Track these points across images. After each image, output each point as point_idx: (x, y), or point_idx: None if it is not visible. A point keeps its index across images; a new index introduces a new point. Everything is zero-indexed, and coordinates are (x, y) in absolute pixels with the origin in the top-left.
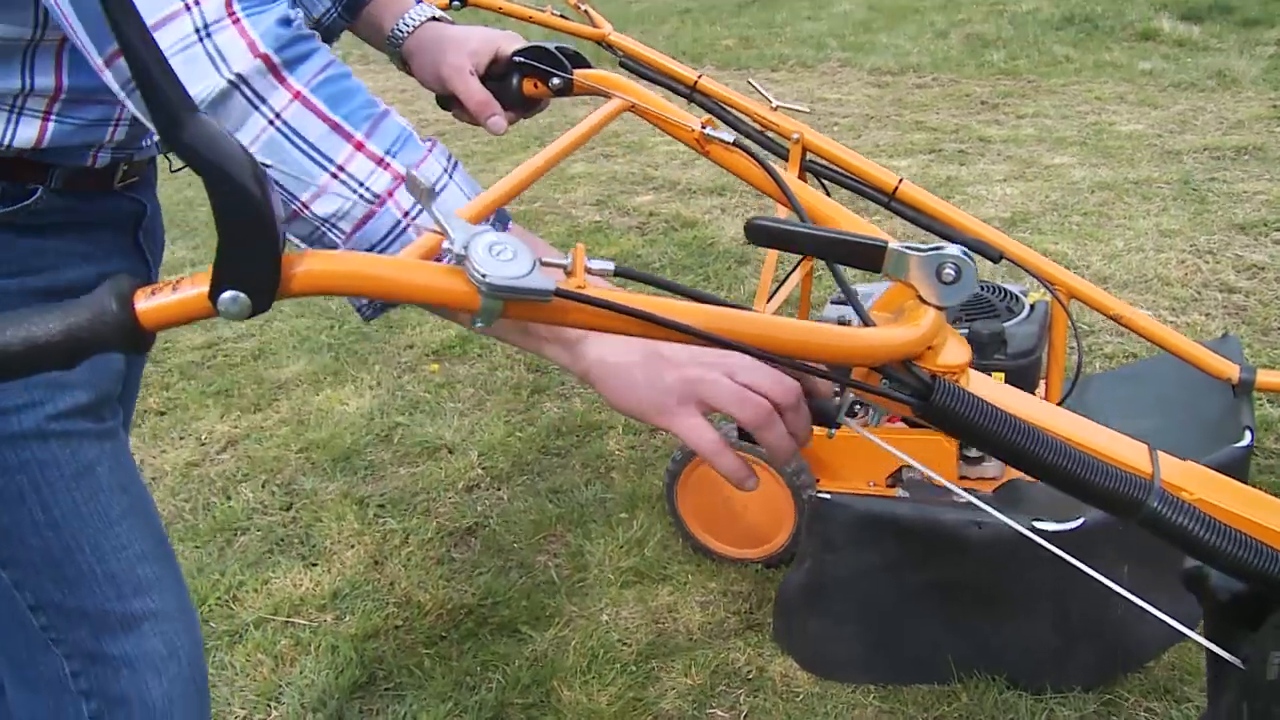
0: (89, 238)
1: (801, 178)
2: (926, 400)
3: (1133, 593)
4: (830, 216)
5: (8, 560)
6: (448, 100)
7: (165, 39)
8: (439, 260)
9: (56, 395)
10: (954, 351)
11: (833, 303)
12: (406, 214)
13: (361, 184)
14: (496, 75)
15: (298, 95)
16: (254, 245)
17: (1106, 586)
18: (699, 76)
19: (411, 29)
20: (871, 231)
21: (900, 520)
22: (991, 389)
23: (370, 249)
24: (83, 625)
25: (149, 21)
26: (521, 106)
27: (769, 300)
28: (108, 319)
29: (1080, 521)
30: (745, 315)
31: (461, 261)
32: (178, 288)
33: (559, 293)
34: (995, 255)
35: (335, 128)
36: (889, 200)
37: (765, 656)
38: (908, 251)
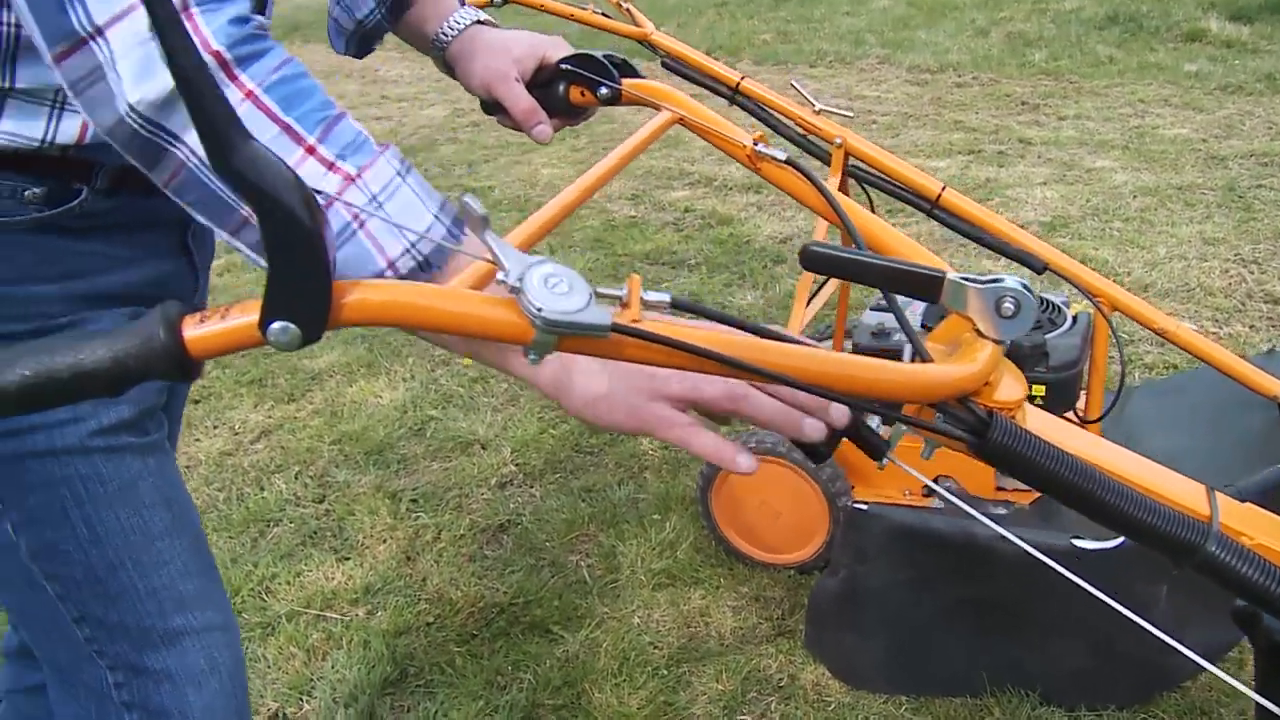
0: (135, 240)
1: (843, 182)
2: (983, 438)
3: (1170, 613)
4: (885, 240)
5: (52, 574)
6: (492, 106)
7: (120, 35)
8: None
9: (99, 410)
10: (1010, 387)
11: (872, 309)
12: (356, 216)
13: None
14: (542, 82)
15: (250, 95)
16: (305, 276)
17: (1129, 612)
18: (741, 78)
19: (456, 33)
20: (929, 259)
21: (935, 533)
22: (1048, 425)
23: None
24: (124, 639)
25: (103, 19)
26: (568, 114)
27: (808, 303)
28: (156, 347)
29: (1121, 540)
30: (803, 351)
31: (516, 294)
32: (227, 316)
33: (616, 328)
34: (1040, 266)
35: (286, 129)
36: (931, 207)
37: (797, 664)
38: (966, 284)
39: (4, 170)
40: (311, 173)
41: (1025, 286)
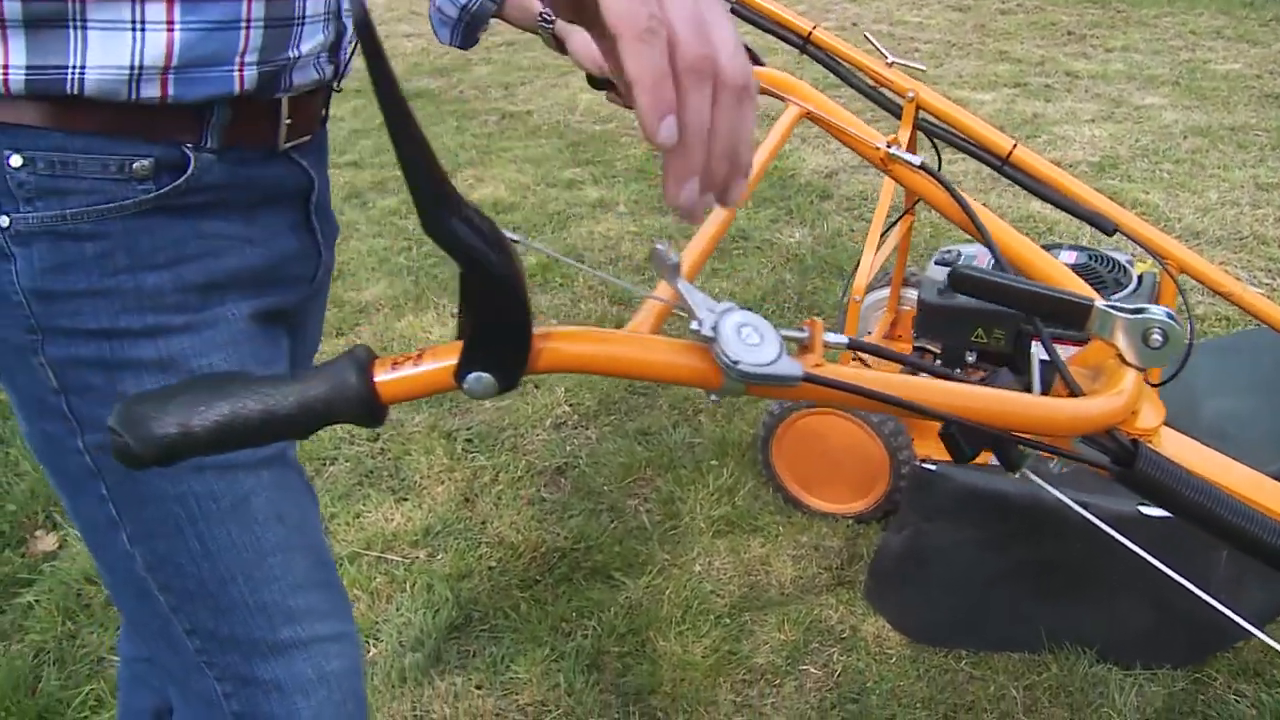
0: (253, 217)
1: (913, 138)
2: (1129, 467)
3: (1228, 576)
4: (1024, 255)
5: (165, 586)
6: (602, 82)
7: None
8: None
9: None
10: (1150, 414)
11: (936, 263)
12: None
13: None
14: None
15: None
16: (508, 331)
17: (1185, 580)
18: (813, 28)
19: None
20: (1071, 282)
21: (1003, 497)
22: (1183, 449)
23: None
24: (234, 651)
25: None
26: None
27: (876, 250)
28: (347, 393)
29: None
30: (969, 391)
31: (709, 343)
32: (420, 361)
33: (807, 378)
34: (1110, 228)
35: None
36: (1002, 164)
37: (858, 615)
38: (1115, 313)
39: (104, 136)
40: None
41: (1171, 316)
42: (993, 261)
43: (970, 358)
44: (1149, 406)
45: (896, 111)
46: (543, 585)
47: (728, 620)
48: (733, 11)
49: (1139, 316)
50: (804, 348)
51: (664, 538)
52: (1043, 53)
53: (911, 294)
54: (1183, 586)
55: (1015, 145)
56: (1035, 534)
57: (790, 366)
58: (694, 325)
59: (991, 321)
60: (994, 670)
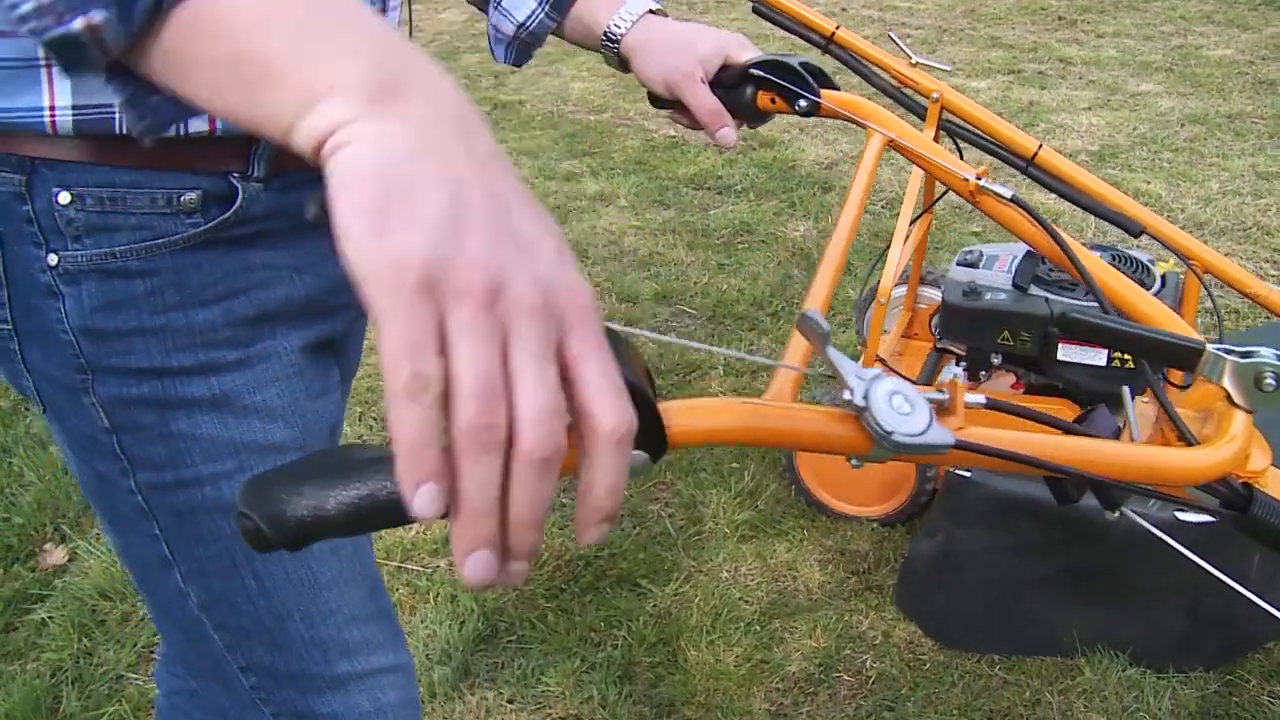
0: (299, 244)
1: (937, 137)
2: (1243, 512)
3: (1261, 578)
4: (1122, 293)
5: (220, 624)
6: (663, 101)
7: None
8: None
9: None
10: (1258, 455)
11: (958, 263)
12: None
13: None
14: (726, 83)
15: None
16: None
17: (1227, 580)
18: (836, 28)
19: (630, 24)
20: (1175, 323)
21: (1038, 504)
22: None
23: None
24: (290, 686)
25: None
26: (751, 118)
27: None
28: None
29: None
30: (1103, 447)
31: (860, 413)
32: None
33: (958, 445)
34: (1136, 229)
35: None
36: (1027, 166)
37: (889, 621)
38: (1226, 356)
39: (151, 169)
40: None
41: None
42: (1015, 265)
43: (995, 360)
44: (1256, 448)
45: (920, 112)
46: (569, 594)
47: (758, 628)
48: (755, 11)
49: (1251, 361)
50: (944, 410)
51: (688, 544)
52: (1034, 38)
53: (928, 292)
54: (1215, 589)
55: (1040, 146)
56: (1068, 539)
57: (942, 435)
58: (846, 395)
59: (1018, 324)
60: (1027, 675)
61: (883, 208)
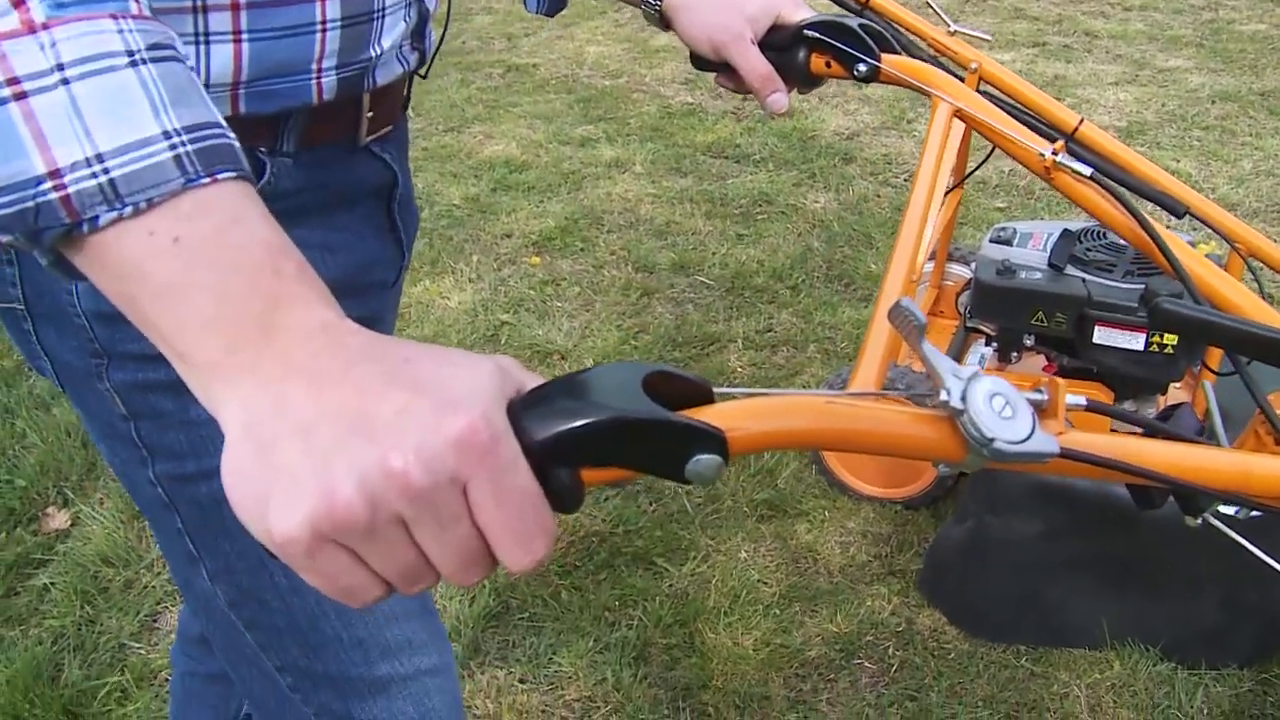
0: (332, 223)
1: None
2: None
3: None
4: (1214, 284)
5: (251, 623)
6: (707, 63)
7: None
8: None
9: None
10: None
11: (990, 240)
12: (13, 81)
13: None
14: (776, 45)
15: None
16: (680, 445)
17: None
18: None
19: None
20: (1268, 314)
21: (1072, 491)
22: None
23: None
24: (329, 689)
25: None
26: (803, 82)
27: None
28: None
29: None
30: (1210, 455)
31: (957, 415)
32: None
33: (1064, 454)
34: (1180, 210)
35: None
36: (1067, 141)
37: (912, 607)
38: None
39: None
40: None
41: None
42: (1051, 243)
43: (1028, 341)
44: None
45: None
46: (582, 572)
47: (777, 611)
48: None
49: None
50: (1044, 411)
51: (706, 522)
52: (1060, 10)
53: (955, 269)
54: (1252, 582)
55: (1081, 121)
56: (1102, 529)
57: (1047, 443)
58: (943, 396)
59: (1053, 305)
60: (1054, 667)
61: (905, 180)
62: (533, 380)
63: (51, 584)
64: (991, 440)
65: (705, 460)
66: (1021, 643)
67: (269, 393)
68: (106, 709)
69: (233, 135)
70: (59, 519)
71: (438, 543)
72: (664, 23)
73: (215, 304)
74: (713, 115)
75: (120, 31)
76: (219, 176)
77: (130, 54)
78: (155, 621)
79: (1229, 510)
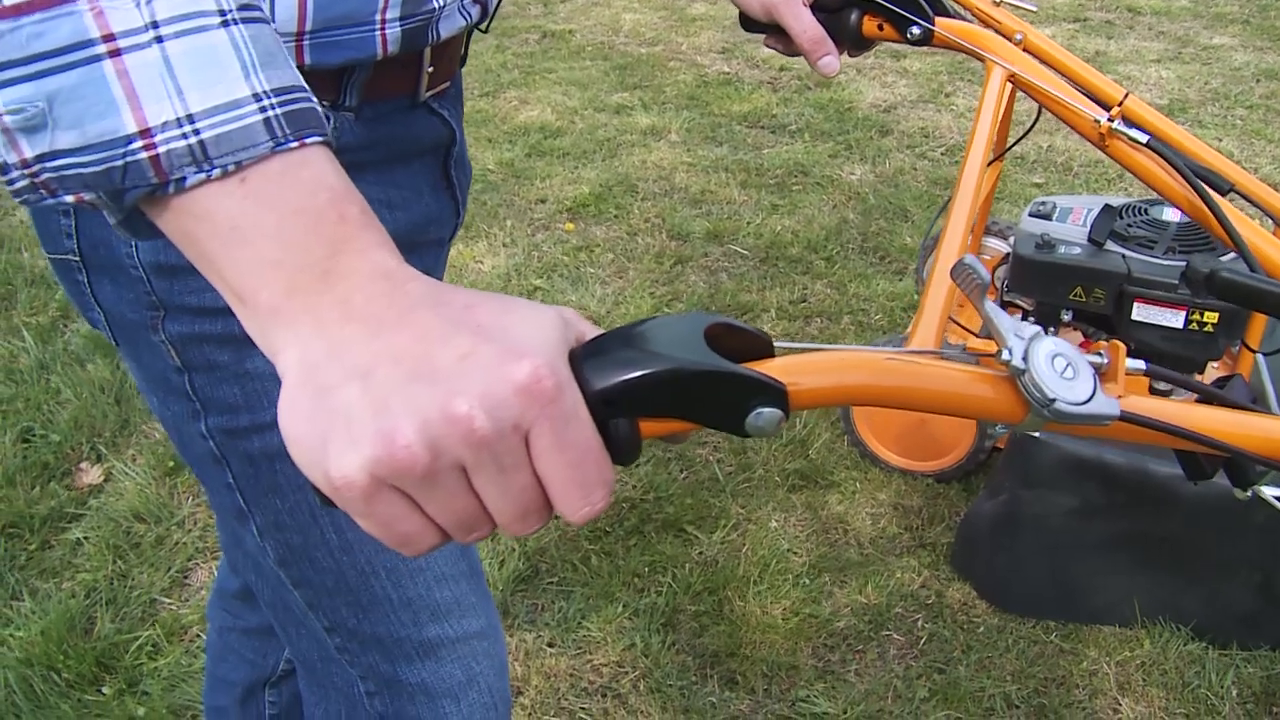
0: (391, 179)
1: None
2: None
3: None
4: (1271, 255)
5: (300, 581)
6: (756, 25)
7: None
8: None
9: None
10: None
11: (1029, 214)
12: (109, 38)
13: None
14: (828, 6)
15: None
16: (741, 397)
17: None
18: None
19: None
20: None
21: (1109, 467)
22: None
23: (13, 61)
24: (377, 650)
25: None
26: (854, 45)
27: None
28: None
29: None
30: (1265, 422)
31: (1018, 375)
32: None
33: (1124, 417)
34: (1225, 186)
35: None
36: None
37: (941, 580)
38: None
39: None
40: None
41: None
42: (1091, 218)
43: (1065, 317)
44: None
45: None
46: (612, 537)
47: (807, 581)
48: None
49: None
50: (1104, 375)
51: (737, 491)
52: None
53: (992, 243)
54: None
55: (1126, 95)
56: (1138, 506)
57: (1108, 405)
58: (1005, 355)
59: (1092, 281)
60: (1084, 644)
61: (943, 154)
62: (593, 330)
63: (85, 538)
64: (1053, 401)
65: (766, 414)
66: (1051, 618)
67: (328, 336)
68: (138, 662)
69: (315, 99)
70: (92, 474)
71: (497, 490)
72: None
73: (277, 246)
74: (749, 85)
75: None
76: (306, 141)
77: (222, 13)
78: (186, 578)
79: (1274, 492)
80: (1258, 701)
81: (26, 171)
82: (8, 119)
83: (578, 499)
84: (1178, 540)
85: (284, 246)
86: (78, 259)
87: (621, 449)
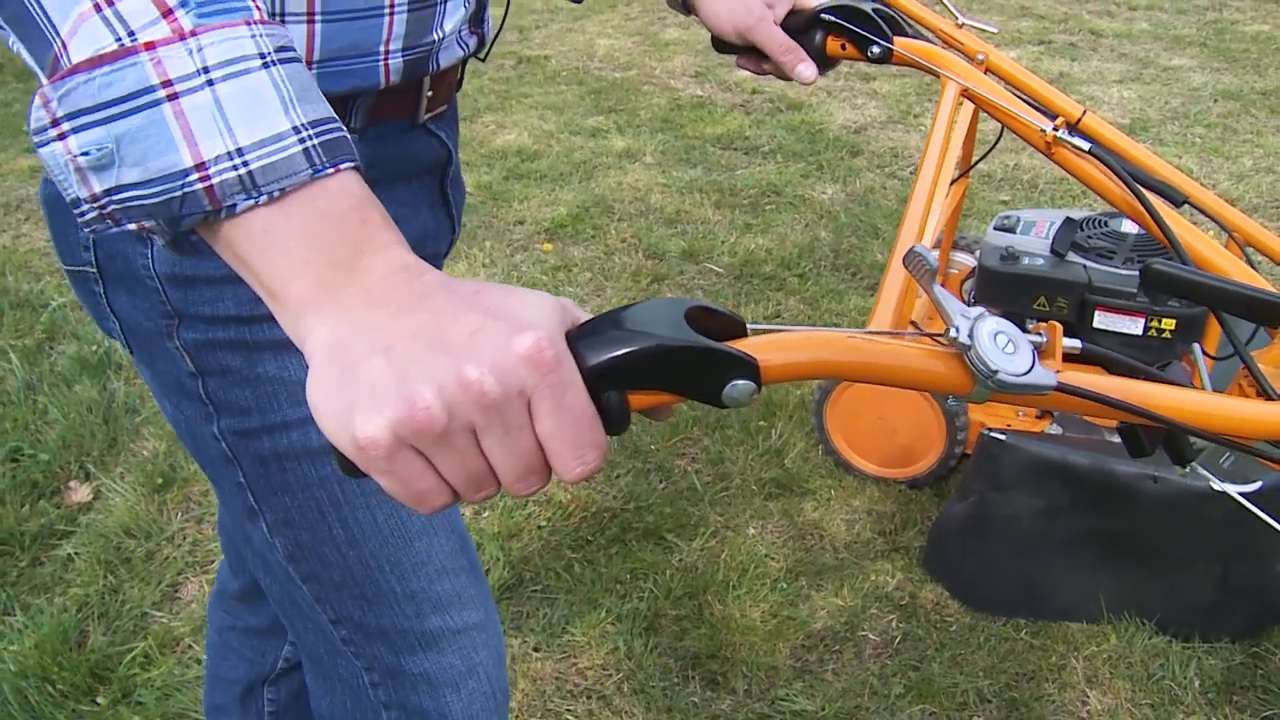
0: (394, 196)
1: None
2: None
3: None
4: (1205, 253)
5: (308, 575)
6: (732, 47)
7: None
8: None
9: None
10: None
11: (995, 228)
12: (167, 84)
13: (126, 24)
14: (793, 28)
15: None
16: (714, 374)
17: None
18: None
19: None
20: (1253, 278)
21: (1074, 468)
22: None
23: (86, 109)
24: (381, 642)
25: None
26: (819, 64)
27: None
28: None
29: (1259, 484)
30: (1204, 399)
31: (964, 350)
32: None
33: (1060, 387)
34: (1180, 199)
35: None
36: (1070, 131)
37: (915, 582)
38: None
39: None
40: (135, 8)
41: None
42: (1053, 231)
43: (1029, 325)
44: None
45: None
46: (594, 546)
47: (784, 585)
48: None
49: None
50: (1043, 352)
51: (715, 500)
52: (1065, 9)
53: (960, 257)
54: (1245, 559)
55: (1085, 112)
56: (1102, 505)
57: (1045, 376)
58: (952, 333)
59: (1055, 290)
60: (1053, 640)
61: (911, 173)
62: (586, 317)
63: (75, 554)
64: (996, 372)
65: (740, 385)
66: (1021, 616)
67: (353, 319)
68: (131, 673)
69: (344, 128)
70: (81, 492)
71: (503, 449)
72: (686, 8)
73: (307, 246)
74: (722, 108)
75: (253, 36)
76: (342, 166)
77: (262, 55)
78: (177, 591)
79: (1237, 488)
80: (1219, 691)
81: (95, 204)
82: (81, 159)
83: (572, 460)
84: (1140, 537)
85: (313, 246)
86: (94, 270)
87: (613, 419)
